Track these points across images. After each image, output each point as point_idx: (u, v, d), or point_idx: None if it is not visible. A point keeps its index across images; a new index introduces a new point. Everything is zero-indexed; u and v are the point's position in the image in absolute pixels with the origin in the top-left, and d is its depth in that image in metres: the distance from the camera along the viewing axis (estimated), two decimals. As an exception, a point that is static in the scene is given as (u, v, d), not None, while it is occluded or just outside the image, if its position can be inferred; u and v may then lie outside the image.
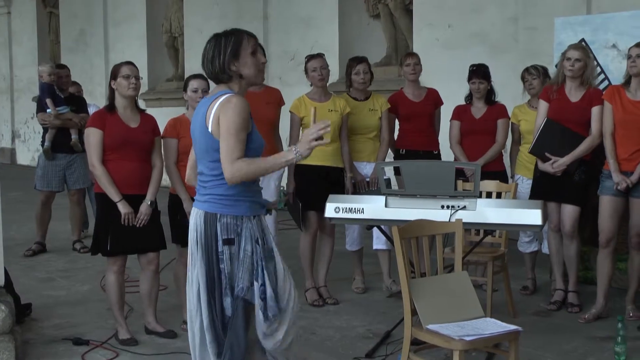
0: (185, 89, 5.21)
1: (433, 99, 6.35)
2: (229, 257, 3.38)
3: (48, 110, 7.65)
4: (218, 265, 3.40)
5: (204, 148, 3.38)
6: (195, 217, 3.45)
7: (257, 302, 3.38)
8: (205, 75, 5.18)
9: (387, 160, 6.33)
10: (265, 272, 3.39)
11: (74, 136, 7.71)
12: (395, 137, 6.50)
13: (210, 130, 3.33)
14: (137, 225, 4.88)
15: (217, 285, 3.41)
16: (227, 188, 3.35)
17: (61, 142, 7.73)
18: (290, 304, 3.47)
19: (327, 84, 6.04)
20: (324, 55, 5.99)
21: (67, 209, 8.23)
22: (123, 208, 4.82)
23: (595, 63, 5.92)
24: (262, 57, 3.48)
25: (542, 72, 6.03)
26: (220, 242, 3.38)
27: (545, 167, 5.53)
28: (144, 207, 4.90)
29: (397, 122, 6.44)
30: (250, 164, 3.26)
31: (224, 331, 3.42)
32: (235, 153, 3.25)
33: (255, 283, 3.38)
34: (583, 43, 5.96)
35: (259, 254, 3.39)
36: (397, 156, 6.34)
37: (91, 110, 7.97)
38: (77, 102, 7.98)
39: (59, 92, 7.78)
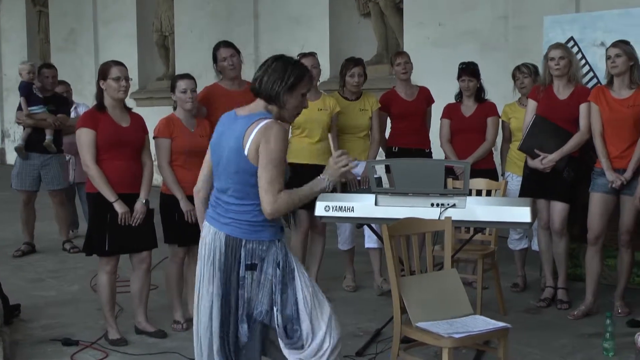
0: (172, 90, 5.20)
1: (425, 97, 6.37)
2: (250, 282, 3.33)
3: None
4: (237, 291, 3.34)
5: (235, 169, 3.30)
6: (214, 237, 3.37)
7: (277, 331, 3.33)
8: (191, 75, 5.25)
9: (377, 158, 6.32)
10: (280, 298, 3.32)
11: (48, 137, 7.61)
12: (387, 135, 6.50)
13: (246, 153, 3.24)
14: (133, 224, 4.87)
15: (233, 312, 3.35)
16: (255, 215, 3.30)
17: (36, 142, 7.64)
18: (322, 320, 3.35)
19: (318, 83, 6.04)
20: (316, 54, 5.98)
21: (52, 208, 8.20)
22: (120, 208, 4.80)
23: (584, 61, 5.94)
24: (306, 102, 3.44)
25: (533, 70, 6.06)
26: (242, 268, 3.32)
27: (535, 163, 5.55)
28: (139, 206, 4.89)
29: (388, 120, 6.45)
30: (290, 194, 3.24)
31: (236, 355, 3.38)
32: (276, 185, 3.21)
33: (274, 307, 3.31)
34: (572, 42, 5.98)
35: (278, 277, 3.32)
36: (390, 154, 6.34)
37: (81, 110, 7.94)
38: (59, 103, 7.86)
39: (37, 91, 7.69)
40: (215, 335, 3.37)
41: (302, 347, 3.32)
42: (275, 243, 3.37)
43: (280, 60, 3.35)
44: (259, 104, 3.36)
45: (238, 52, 5.63)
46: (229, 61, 5.53)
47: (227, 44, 5.64)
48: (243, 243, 3.31)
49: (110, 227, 4.81)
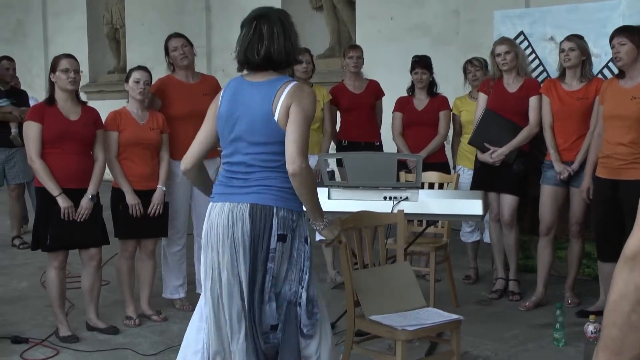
0: (127, 80, 5.17)
1: (374, 91, 6.38)
2: (280, 255, 3.09)
3: None
4: (265, 265, 3.07)
5: (262, 139, 3.08)
6: (230, 214, 3.09)
7: (304, 308, 3.13)
8: (147, 68, 5.20)
9: (330, 152, 6.33)
10: (308, 275, 3.13)
11: (14, 130, 7.53)
12: (338, 129, 6.51)
13: (276, 119, 3.05)
14: (78, 220, 4.80)
15: (258, 289, 3.08)
16: (284, 180, 3.07)
17: (0, 136, 7.55)
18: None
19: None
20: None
21: (5, 204, 8.05)
22: (63, 202, 4.73)
23: (534, 55, 6.02)
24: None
25: (484, 64, 6.11)
26: (274, 238, 3.07)
27: (485, 157, 5.61)
28: (85, 201, 4.81)
29: (338, 114, 6.45)
30: (313, 177, 3.09)
31: (264, 341, 3.13)
32: (306, 146, 3.05)
33: (301, 285, 3.13)
34: (522, 36, 6.05)
35: (307, 253, 3.15)
36: (339, 147, 6.35)
37: (32, 103, 7.81)
38: (19, 95, 7.79)
39: None
40: (243, 320, 3.10)
41: (311, 337, 3.18)
42: (302, 215, 3.18)
43: (275, 24, 3.16)
44: (271, 73, 3.17)
45: (190, 43, 5.58)
46: (180, 50, 5.47)
47: (178, 35, 5.60)
48: (275, 211, 3.07)
49: (54, 221, 4.74)
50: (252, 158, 3.12)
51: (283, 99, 3.06)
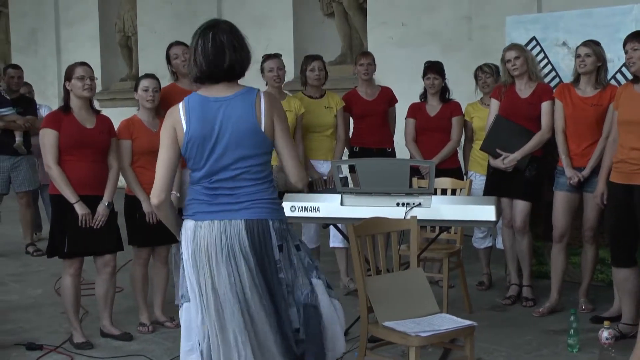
0: (136, 89, 5.19)
1: (386, 97, 6.37)
2: (284, 265, 3.13)
3: None
4: (277, 276, 3.11)
5: (250, 152, 3.08)
6: (223, 231, 3.06)
7: (330, 294, 3.26)
8: (155, 75, 5.23)
9: (343, 158, 6.34)
10: (315, 269, 3.25)
11: (18, 138, 7.54)
12: (350, 135, 6.51)
13: (264, 129, 3.07)
14: (95, 227, 4.82)
15: (279, 299, 3.11)
16: (273, 192, 3.14)
17: (5, 144, 7.54)
18: None
19: (283, 84, 6.03)
20: (280, 55, 5.97)
21: (17, 212, 8.09)
22: (80, 209, 4.75)
23: (547, 61, 6.01)
24: None
25: (495, 70, 6.10)
26: (276, 250, 3.10)
27: (496, 163, 5.60)
28: (102, 208, 4.84)
29: (351, 121, 6.46)
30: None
31: (297, 345, 3.16)
32: (297, 154, 3.23)
33: (314, 281, 3.21)
34: (534, 41, 6.04)
35: (307, 250, 3.28)
36: (351, 154, 6.35)
37: (43, 112, 7.86)
38: (26, 104, 7.81)
39: (4, 93, 7.61)
40: (274, 333, 3.09)
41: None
42: (288, 223, 3.25)
43: (233, 32, 3.13)
44: (232, 84, 3.15)
45: None
46: (182, 57, 5.47)
47: (179, 43, 5.61)
48: (271, 223, 3.09)
49: (71, 228, 4.76)
50: (240, 172, 3.09)
51: (264, 110, 3.09)
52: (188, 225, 3.16)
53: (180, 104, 3.20)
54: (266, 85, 5.89)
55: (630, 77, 4.93)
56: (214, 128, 3.09)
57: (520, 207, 5.59)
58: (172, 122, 3.20)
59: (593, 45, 5.21)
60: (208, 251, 3.08)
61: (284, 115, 3.18)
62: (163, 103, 5.43)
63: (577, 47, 5.28)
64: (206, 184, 3.14)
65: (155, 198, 3.22)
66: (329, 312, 3.24)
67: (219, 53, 3.09)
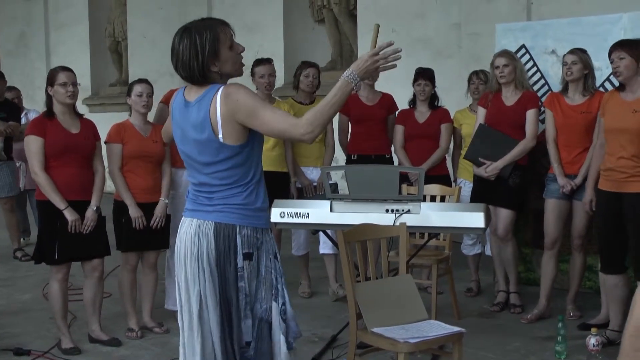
0: (129, 94, 5.17)
1: (386, 104, 6.34)
2: (249, 274, 3.03)
3: None
4: (236, 284, 3.03)
5: (213, 159, 2.99)
6: (197, 230, 3.04)
7: (279, 325, 3.07)
8: (148, 80, 5.23)
9: (337, 164, 6.34)
10: (285, 290, 3.09)
11: None
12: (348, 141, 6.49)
13: (221, 137, 2.93)
14: (84, 232, 4.80)
15: (234, 308, 3.04)
16: (246, 196, 3.02)
17: None
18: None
19: (273, 89, 6.03)
20: (272, 61, 5.97)
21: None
22: (70, 215, 4.73)
23: (536, 69, 6.04)
24: (239, 47, 3.10)
25: (487, 79, 6.12)
26: (240, 257, 3.01)
27: (479, 171, 5.62)
28: (90, 213, 4.83)
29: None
30: (315, 111, 2.86)
31: (241, 357, 3.07)
32: (288, 118, 2.92)
33: (274, 303, 3.06)
34: (523, 49, 6.07)
35: (278, 270, 3.09)
36: (349, 162, 6.31)
37: (31, 116, 7.81)
38: (10, 109, 7.69)
39: None
40: (217, 340, 3.04)
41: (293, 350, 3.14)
42: (269, 232, 3.15)
43: (184, 39, 3.02)
44: (202, 85, 3.02)
45: None
46: None
47: None
48: (238, 229, 3.01)
49: (61, 235, 4.74)
50: (210, 177, 3.04)
51: (220, 111, 2.92)
52: (181, 220, 3.21)
53: (171, 104, 3.21)
54: (256, 89, 5.88)
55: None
56: (183, 133, 3.08)
57: (503, 215, 5.61)
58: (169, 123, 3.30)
59: (580, 52, 5.25)
60: (185, 247, 3.09)
61: (247, 101, 2.89)
62: (168, 103, 5.41)
63: (564, 55, 5.32)
64: (191, 185, 3.17)
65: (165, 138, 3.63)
66: (277, 333, 3.12)
67: (171, 55, 3.06)
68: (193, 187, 3.15)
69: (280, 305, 3.07)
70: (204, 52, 2.96)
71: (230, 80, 3.11)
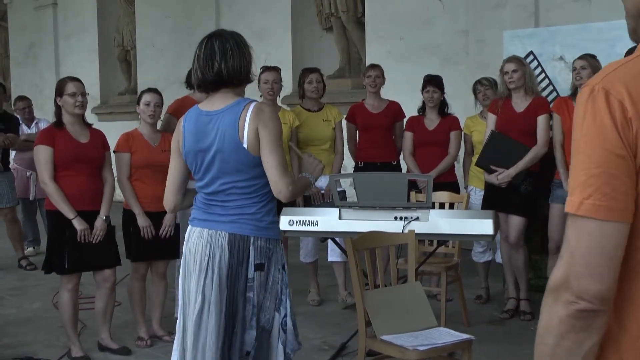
0: (138, 103, 5.19)
1: (393, 112, 6.36)
2: (259, 285, 3.09)
3: None
4: (244, 294, 3.08)
5: (235, 167, 3.06)
6: (210, 239, 3.09)
7: (278, 335, 3.12)
8: (158, 90, 5.24)
9: (347, 172, 6.34)
10: (288, 301, 3.15)
11: None
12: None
13: (246, 146, 3.03)
14: (93, 242, 4.81)
15: (240, 318, 3.08)
16: (261, 207, 3.10)
17: None
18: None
19: (281, 96, 6.05)
20: (279, 69, 5.99)
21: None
22: (79, 225, 4.74)
23: (544, 75, 6.03)
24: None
25: (493, 83, 6.12)
26: (252, 268, 3.07)
27: (491, 179, 5.60)
28: (99, 223, 4.84)
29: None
30: (295, 181, 3.13)
31: None
32: (285, 165, 3.08)
33: (276, 314, 3.12)
34: (531, 56, 6.07)
35: (284, 281, 3.16)
36: (356, 169, 6.34)
37: (42, 125, 7.85)
38: (8, 121, 7.66)
39: None
40: (214, 347, 3.05)
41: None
42: (279, 243, 3.20)
43: (228, 40, 3.15)
44: (227, 95, 3.14)
45: None
46: None
47: None
48: (252, 240, 3.07)
49: (70, 244, 4.74)
50: (229, 187, 3.10)
51: (248, 124, 3.03)
52: (188, 229, 3.25)
53: (182, 117, 3.30)
54: (260, 96, 5.90)
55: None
56: (204, 143, 3.13)
57: (515, 222, 5.59)
58: (177, 134, 3.30)
59: (589, 58, 5.24)
60: (194, 257, 3.12)
61: (272, 124, 3.05)
62: (176, 114, 5.43)
63: (574, 61, 5.30)
64: (204, 194, 3.20)
65: (166, 206, 3.41)
66: (275, 343, 3.16)
67: (207, 58, 3.12)
68: (205, 195, 3.17)
69: (282, 317, 3.12)
70: (249, 53, 3.15)
71: None
